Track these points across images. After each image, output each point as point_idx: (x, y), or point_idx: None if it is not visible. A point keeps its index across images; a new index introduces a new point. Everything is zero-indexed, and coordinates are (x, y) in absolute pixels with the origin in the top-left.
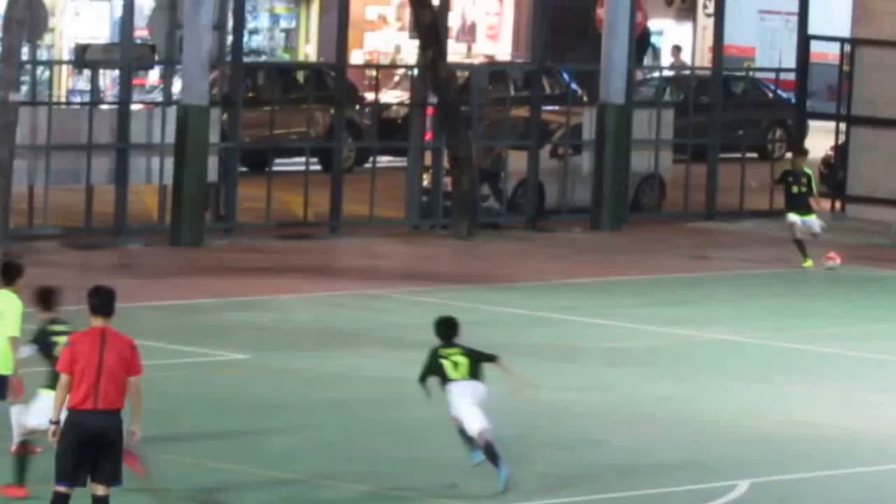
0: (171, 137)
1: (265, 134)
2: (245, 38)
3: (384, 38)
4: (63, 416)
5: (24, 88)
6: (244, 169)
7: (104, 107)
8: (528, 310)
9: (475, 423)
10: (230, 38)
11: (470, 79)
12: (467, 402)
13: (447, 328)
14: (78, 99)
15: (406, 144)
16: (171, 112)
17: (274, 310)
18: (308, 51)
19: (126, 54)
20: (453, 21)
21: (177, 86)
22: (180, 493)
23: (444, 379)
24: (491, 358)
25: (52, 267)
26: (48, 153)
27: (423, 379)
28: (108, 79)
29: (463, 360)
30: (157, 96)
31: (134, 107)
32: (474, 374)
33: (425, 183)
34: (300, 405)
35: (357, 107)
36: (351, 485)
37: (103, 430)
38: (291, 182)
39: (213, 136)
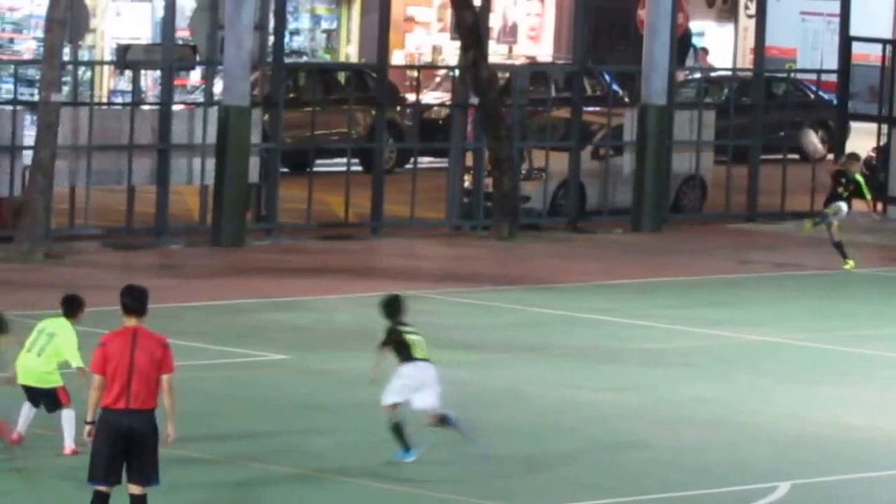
0: (212, 138)
1: (306, 135)
2: (286, 39)
3: (425, 39)
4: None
5: (66, 89)
6: (285, 169)
7: (145, 107)
8: (568, 311)
9: (428, 402)
10: (271, 39)
11: (511, 80)
12: (429, 383)
13: (398, 307)
14: (119, 99)
15: (447, 145)
16: (213, 113)
17: (315, 310)
18: (349, 51)
19: (167, 55)
20: (494, 22)
21: (218, 86)
22: (219, 492)
23: (409, 357)
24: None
25: (93, 267)
26: (90, 154)
27: (383, 346)
28: (150, 79)
29: (420, 339)
30: (199, 97)
31: (175, 107)
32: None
33: (466, 184)
34: (339, 405)
35: (398, 108)
36: (387, 485)
37: (136, 429)
38: (332, 183)
39: (255, 137)
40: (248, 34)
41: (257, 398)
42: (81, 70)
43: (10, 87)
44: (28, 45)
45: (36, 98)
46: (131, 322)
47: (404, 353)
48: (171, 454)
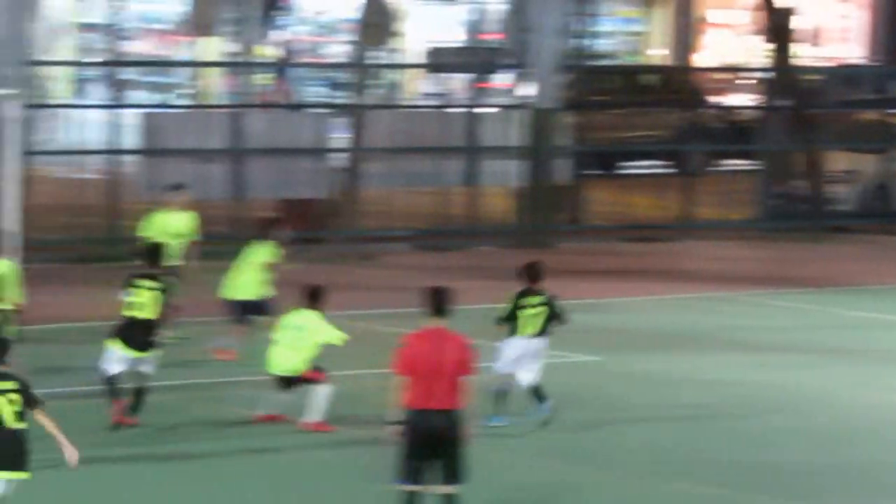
0: (521, 140)
1: (615, 136)
2: (594, 42)
3: (733, 41)
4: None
5: (375, 92)
6: (594, 171)
7: (454, 109)
8: (873, 313)
9: (527, 376)
10: (580, 42)
11: (821, 82)
12: (524, 360)
13: (534, 271)
14: (428, 102)
15: (756, 147)
16: (522, 115)
17: (624, 312)
18: (657, 54)
19: (476, 57)
20: (804, 24)
21: (527, 89)
22: (515, 490)
23: (515, 332)
24: (563, 321)
25: (402, 269)
26: (399, 156)
27: (501, 321)
28: (459, 82)
29: (542, 311)
30: (508, 99)
31: (484, 109)
32: (545, 329)
33: (776, 186)
34: (646, 406)
35: (706, 110)
36: (693, 486)
37: (442, 429)
38: (642, 184)
39: (564, 139)
40: (557, 37)
41: (566, 397)
42: (391, 73)
43: (319, 90)
44: (336, 49)
45: (344, 101)
46: (435, 323)
47: (513, 327)
48: (476, 455)
